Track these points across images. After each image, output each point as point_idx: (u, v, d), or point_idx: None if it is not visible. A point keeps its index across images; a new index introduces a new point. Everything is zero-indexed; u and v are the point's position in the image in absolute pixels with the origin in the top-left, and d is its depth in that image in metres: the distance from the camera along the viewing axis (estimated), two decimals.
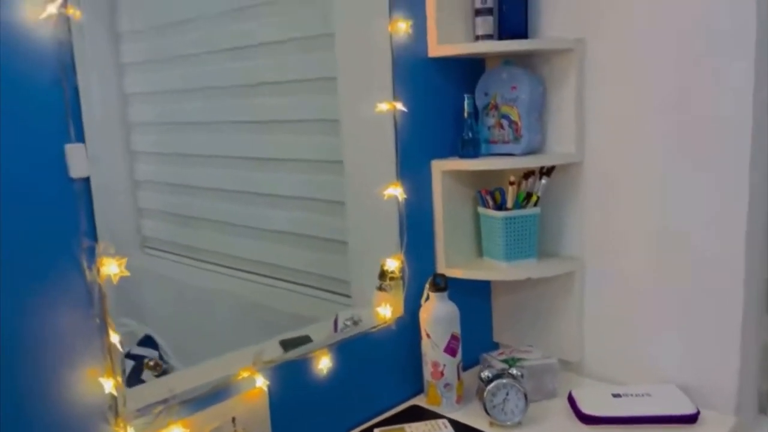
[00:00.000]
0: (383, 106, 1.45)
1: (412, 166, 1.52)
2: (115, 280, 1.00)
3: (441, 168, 1.58)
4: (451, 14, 1.54)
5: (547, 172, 1.59)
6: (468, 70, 1.64)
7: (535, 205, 1.60)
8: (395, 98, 1.45)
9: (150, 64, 1.15)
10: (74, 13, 0.96)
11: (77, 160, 0.98)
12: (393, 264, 1.50)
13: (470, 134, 1.57)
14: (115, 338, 1.03)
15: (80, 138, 0.99)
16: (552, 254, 1.66)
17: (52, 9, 0.94)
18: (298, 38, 1.32)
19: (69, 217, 0.99)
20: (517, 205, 1.59)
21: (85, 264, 1.00)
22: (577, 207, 1.59)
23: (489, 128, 1.62)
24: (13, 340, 0.93)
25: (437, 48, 1.52)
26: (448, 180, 1.59)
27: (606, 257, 1.55)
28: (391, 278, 1.51)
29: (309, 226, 1.37)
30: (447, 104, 1.60)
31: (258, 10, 1.27)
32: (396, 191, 1.49)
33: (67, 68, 0.96)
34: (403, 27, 1.46)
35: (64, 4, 0.95)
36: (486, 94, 1.62)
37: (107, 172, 1.03)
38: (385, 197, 1.47)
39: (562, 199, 1.62)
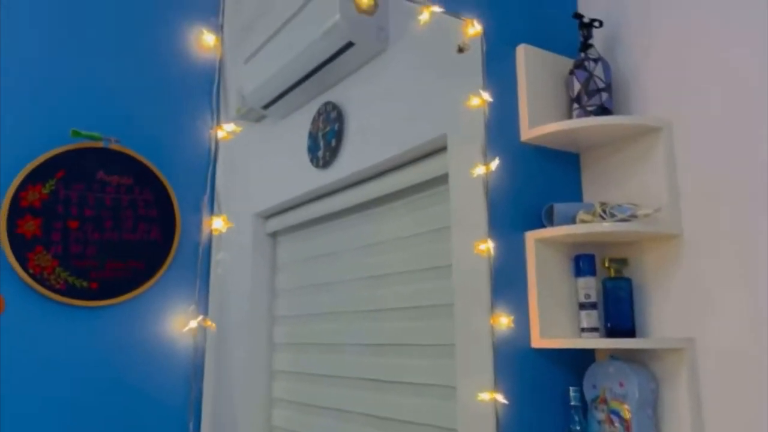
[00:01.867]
0: (485, 396, 1.49)
1: None
2: None
3: None
4: (554, 308, 1.62)
5: None
6: (575, 360, 1.66)
7: None
8: (496, 387, 1.49)
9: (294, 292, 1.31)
10: (211, 325, 1.16)
11: None
12: None
13: (578, 427, 1.54)
14: None
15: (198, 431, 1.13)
16: None
17: (193, 323, 1.16)
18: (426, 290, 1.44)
19: None
20: None
21: None
22: None
23: (599, 422, 1.57)
24: None
25: (540, 341, 1.58)
26: None
27: None
28: None
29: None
30: (553, 394, 1.60)
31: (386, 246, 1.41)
32: None
33: (194, 373, 1.15)
34: (505, 321, 1.55)
35: (204, 320, 1.16)
36: (594, 387, 1.60)
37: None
38: None
39: None
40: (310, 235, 1.27)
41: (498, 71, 1.68)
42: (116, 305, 1.11)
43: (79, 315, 1.08)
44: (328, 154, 1.22)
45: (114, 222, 1.11)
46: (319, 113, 1.25)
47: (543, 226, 1.66)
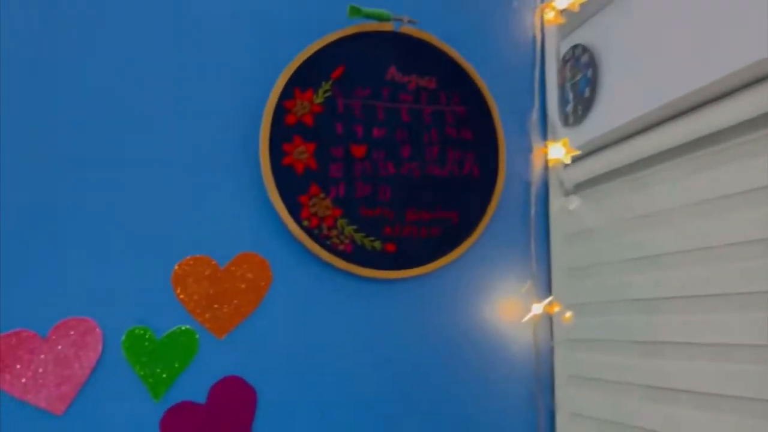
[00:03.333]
0: None
1: None
2: None
3: None
4: None
5: None
6: None
7: None
8: None
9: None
10: (566, 317, 0.71)
11: None
12: None
13: None
14: None
15: None
16: None
17: (536, 309, 0.71)
18: None
19: None
20: None
21: None
22: None
23: None
24: None
25: None
26: None
27: None
28: None
29: None
30: None
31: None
32: None
33: (545, 381, 0.71)
34: None
35: (551, 304, 0.72)
36: None
37: None
38: None
39: None
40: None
41: None
42: (421, 277, 0.70)
43: (370, 289, 0.69)
44: (580, 108, 0.74)
45: (413, 147, 0.70)
46: (564, 60, 0.78)
47: None
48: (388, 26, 0.71)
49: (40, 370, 0.59)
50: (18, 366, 0.59)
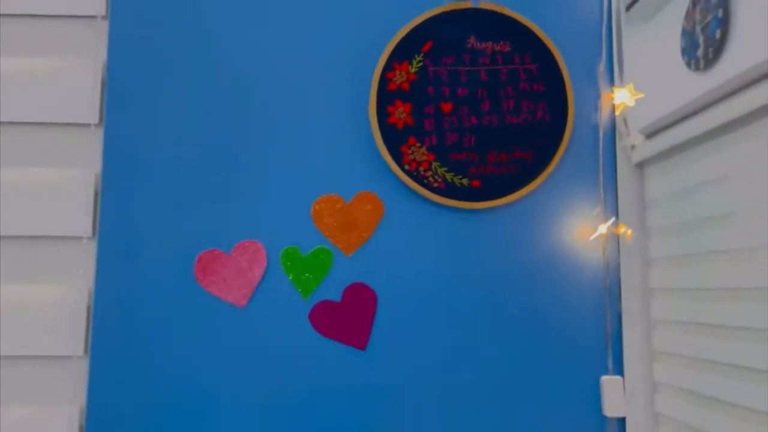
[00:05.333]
0: None
1: None
2: None
3: None
4: None
5: None
6: None
7: None
8: None
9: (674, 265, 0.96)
10: (626, 231, 0.85)
11: (612, 396, 0.84)
12: None
13: None
14: None
15: (620, 371, 0.84)
16: None
17: (602, 228, 0.86)
18: None
19: None
20: None
21: None
22: None
23: None
24: None
25: None
26: None
27: None
28: None
29: None
30: None
31: None
32: None
33: (612, 292, 0.86)
34: None
35: (615, 223, 0.86)
36: None
37: (638, 408, 0.85)
38: None
39: None
40: (690, 159, 0.83)
41: None
42: (503, 207, 0.88)
43: (461, 217, 0.87)
44: (711, 51, 0.78)
45: (492, 102, 0.87)
46: (693, 3, 0.82)
47: None
48: (467, 4, 0.88)
49: (227, 277, 0.86)
50: (213, 275, 0.86)
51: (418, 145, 0.86)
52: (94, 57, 0.89)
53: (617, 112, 0.89)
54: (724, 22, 0.82)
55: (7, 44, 0.90)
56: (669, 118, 0.83)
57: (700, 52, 0.84)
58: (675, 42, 0.86)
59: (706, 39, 0.85)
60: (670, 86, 0.84)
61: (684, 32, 0.87)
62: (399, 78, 0.86)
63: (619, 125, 0.89)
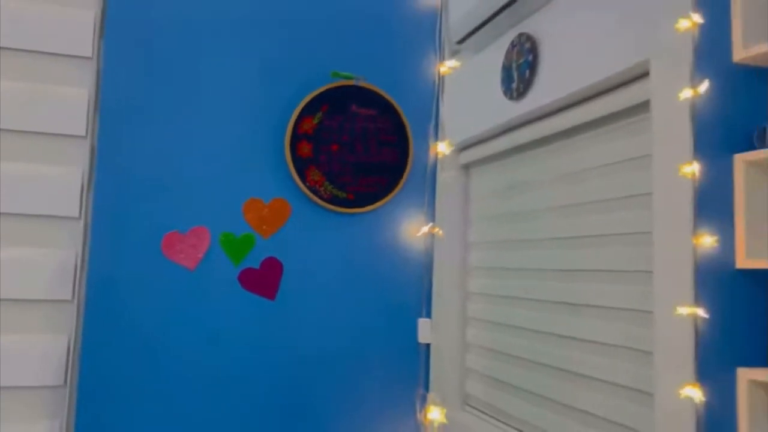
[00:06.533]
0: (683, 310, 1.59)
1: (714, 369, 1.60)
2: (435, 426, 1.35)
3: (748, 376, 1.60)
4: (761, 228, 1.64)
5: None
6: None
7: None
8: (697, 303, 1.58)
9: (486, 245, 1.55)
10: (438, 231, 1.41)
11: (424, 331, 1.40)
12: None
13: None
14: None
15: (429, 314, 1.40)
16: None
17: (425, 229, 1.41)
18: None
19: (413, 371, 1.39)
20: None
21: (417, 407, 1.38)
22: None
23: None
24: None
25: (745, 261, 1.62)
26: (756, 390, 1.60)
27: None
28: None
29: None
30: (756, 312, 1.66)
31: (582, 175, 1.59)
32: (694, 393, 1.57)
33: (427, 269, 1.41)
34: (708, 242, 1.61)
35: (433, 226, 1.41)
36: None
37: (444, 337, 1.42)
38: (681, 397, 1.57)
39: None
40: (503, 166, 1.43)
41: None
42: (366, 213, 1.39)
43: (341, 220, 1.38)
44: (522, 85, 1.27)
45: (363, 147, 1.38)
46: (512, 45, 1.30)
47: (753, 148, 1.66)
48: (351, 82, 1.37)
49: (183, 250, 1.28)
50: (173, 248, 1.28)
51: (316, 170, 1.35)
52: (89, 86, 1.26)
53: (439, 156, 1.45)
54: (533, 65, 1.33)
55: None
56: (488, 134, 1.36)
57: (514, 85, 1.36)
58: (496, 74, 1.36)
59: (519, 76, 1.36)
60: (490, 109, 1.29)
61: (503, 67, 1.39)
62: (305, 126, 1.34)
63: (440, 162, 1.45)
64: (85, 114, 1.25)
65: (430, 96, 1.44)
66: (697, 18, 1.63)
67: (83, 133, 1.25)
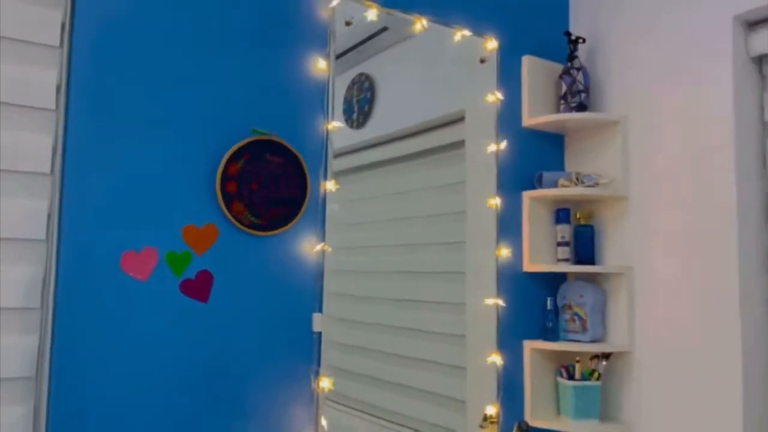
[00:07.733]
0: (489, 301, 2.26)
1: (509, 342, 2.28)
2: (326, 391, 1.85)
3: (530, 346, 2.32)
4: (540, 245, 2.37)
5: (606, 356, 2.27)
6: (552, 280, 2.43)
7: (597, 380, 2.26)
8: (498, 296, 2.26)
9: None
10: (328, 249, 1.92)
11: (317, 322, 1.89)
12: (492, 410, 2.21)
13: (551, 324, 2.32)
14: (323, 421, 1.85)
15: (320, 310, 1.90)
16: (613, 418, 2.27)
17: (318, 247, 1.91)
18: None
19: (309, 353, 1.88)
20: (584, 378, 2.26)
21: (312, 378, 1.87)
22: (632, 384, 2.23)
23: (565, 321, 2.35)
24: (261, 413, 1.80)
25: (529, 266, 2.34)
26: (535, 355, 2.32)
27: (658, 423, 2.15)
28: (491, 421, 2.21)
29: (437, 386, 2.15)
30: (536, 302, 2.38)
31: (413, 194, 2.18)
32: (496, 359, 2.24)
33: (320, 276, 1.91)
34: (505, 253, 2.30)
35: (323, 245, 1.92)
36: (564, 298, 2.38)
37: (331, 329, 1.93)
38: (488, 362, 2.23)
39: (619, 377, 2.27)
40: (352, 182, 1.99)
41: (507, 75, 2.38)
42: (275, 235, 1.86)
43: (257, 240, 1.83)
44: (361, 117, 1.73)
45: (274, 185, 1.84)
46: (353, 82, 1.73)
47: (534, 188, 2.39)
48: (267, 137, 1.83)
49: (136, 265, 1.65)
50: (129, 263, 1.64)
51: (239, 203, 1.78)
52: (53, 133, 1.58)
53: (327, 191, 1.95)
54: (370, 101, 1.86)
55: None
56: (338, 152, 1.89)
57: (354, 116, 1.88)
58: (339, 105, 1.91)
59: (359, 108, 1.88)
60: (343, 134, 1.91)
61: (345, 100, 1.93)
62: (232, 170, 1.78)
63: (328, 196, 1.95)
64: (50, 155, 1.57)
65: (321, 145, 1.95)
66: (499, 95, 2.33)
67: (48, 171, 1.57)
